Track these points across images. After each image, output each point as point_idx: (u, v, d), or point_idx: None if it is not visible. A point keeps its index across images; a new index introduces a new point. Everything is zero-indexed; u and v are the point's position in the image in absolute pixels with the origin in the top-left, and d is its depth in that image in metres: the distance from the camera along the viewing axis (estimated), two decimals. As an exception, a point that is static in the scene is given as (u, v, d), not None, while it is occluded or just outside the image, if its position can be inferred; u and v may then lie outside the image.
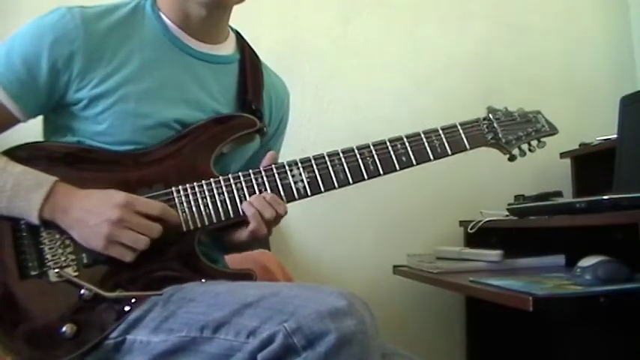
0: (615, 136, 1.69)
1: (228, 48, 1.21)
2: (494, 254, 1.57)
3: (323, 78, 2.14)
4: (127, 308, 0.97)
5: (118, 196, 1.00)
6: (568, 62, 2.26)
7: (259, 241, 1.18)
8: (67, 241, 1.01)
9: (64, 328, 0.96)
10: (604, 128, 1.86)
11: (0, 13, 1.91)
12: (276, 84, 1.29)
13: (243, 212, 1.06)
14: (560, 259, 1.57)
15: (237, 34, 1.26)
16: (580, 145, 1.96)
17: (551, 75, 2.23)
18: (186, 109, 1.11)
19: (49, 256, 1.00)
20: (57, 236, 1.01)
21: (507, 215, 1.76)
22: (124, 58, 1.08)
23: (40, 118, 1.13)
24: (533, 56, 2.23)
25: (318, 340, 0.80)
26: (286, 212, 1.09)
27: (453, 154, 1.17)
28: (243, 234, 1.10)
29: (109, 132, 1.06)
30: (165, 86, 1.10)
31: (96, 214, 0.98)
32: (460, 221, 1.98)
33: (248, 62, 1.22)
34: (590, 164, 1.92)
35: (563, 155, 2.02)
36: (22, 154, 1.05)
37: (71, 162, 1.06)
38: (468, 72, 2.20)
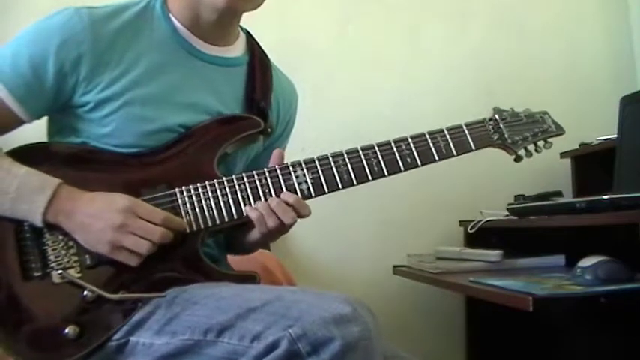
0: (615, 136, 1.69)
1: (237, 49, 1.19)
2: (494, 254, 1.57)
3: (323, 78, 2.14)
4: (130, 310, 0.97)
5: (121, 201, 0.99)
6: (568, 62, 2.26)
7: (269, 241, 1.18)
8: (71, 243, 1.00)
9: (66, 330, 0.95)
10: (604, 128, 1.86)
11: (0, 14, 1.91)
12: (284, 86, 1.28)
13: (247, 215, 1.05)
14: (560, 259, 1.57)
15: (248, 35, 1.24)
16: (580, 145, 1.96)
17: (551, 75, 2.23)
18: (193, 114, 1.10)
19: (52, 258, 0.99)
20: (60, 237, 1.00)
21: (507, 215, 1.76)
22: (131, 60, 1.06)
23: (45, 118, 1.12)
24: (533, 56, 2.23)
25: (323, 347, 0.81)
26: (295, 220, 1.06)
27: (458, 154, 1.15)
28: (254, 234, 1.10)
29: (114, 134, 1.05)
30: (172, 90, 1.09)
31: (100, 220, 0.98)
32: (460, 221, 1.98)
33: (257, 63, 1.21)
34: (590, 164, 1.92)
35: (563, 155, 2.02)
36: (26, 154, 1.04)
37: (76, 163, 1.05)
38: (467, 72, 2.20)
